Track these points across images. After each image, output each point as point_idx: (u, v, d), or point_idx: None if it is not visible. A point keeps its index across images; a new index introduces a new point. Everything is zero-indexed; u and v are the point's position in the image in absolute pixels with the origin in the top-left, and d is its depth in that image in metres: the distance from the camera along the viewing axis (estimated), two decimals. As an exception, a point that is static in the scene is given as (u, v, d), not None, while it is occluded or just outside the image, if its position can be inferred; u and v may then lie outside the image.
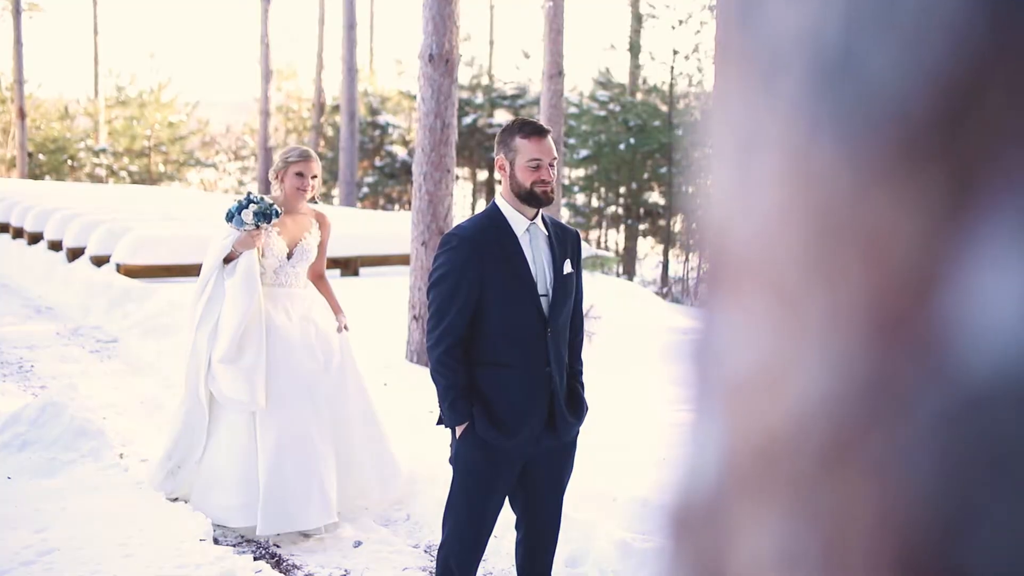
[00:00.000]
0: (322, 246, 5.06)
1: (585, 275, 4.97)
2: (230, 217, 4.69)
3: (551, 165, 3.31)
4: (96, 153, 32.45)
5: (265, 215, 4.69)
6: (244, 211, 4.66)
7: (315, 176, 4.85)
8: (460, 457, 3.36)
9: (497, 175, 3.57)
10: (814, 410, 0.32)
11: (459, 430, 3.32)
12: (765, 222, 0.36)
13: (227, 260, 4.83)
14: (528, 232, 3.35)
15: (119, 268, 11.65)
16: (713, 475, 0.39)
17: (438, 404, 3.37)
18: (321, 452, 4.69)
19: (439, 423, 3.49)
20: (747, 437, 0.36)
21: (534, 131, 3.31)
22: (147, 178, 32.79)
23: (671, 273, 23.50)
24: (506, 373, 3.28)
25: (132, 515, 4.77)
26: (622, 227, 24.95)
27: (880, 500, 0.30)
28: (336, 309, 5.15)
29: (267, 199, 4.74)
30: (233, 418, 4.77)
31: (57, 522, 4.61)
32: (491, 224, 3.31)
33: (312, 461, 4.66)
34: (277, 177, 4.88)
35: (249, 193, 4.73)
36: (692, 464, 0.40)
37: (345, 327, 5.05)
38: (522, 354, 3.28)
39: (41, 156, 31.91)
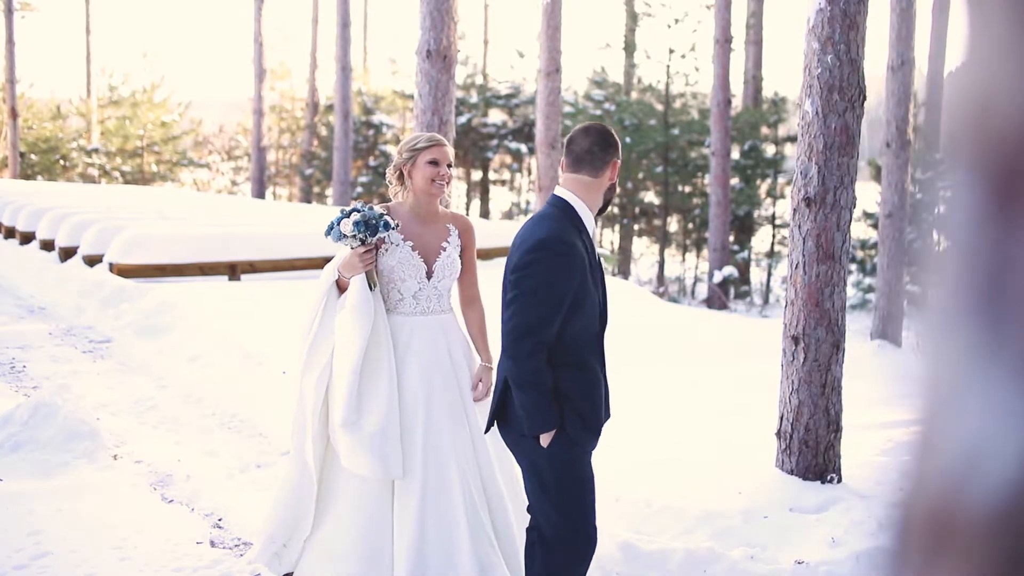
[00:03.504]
0: (469, 258, 4.00)
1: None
2: (329, 230, 3.75)
3: None
4: (88, 153, 32.28)
5: (369, 226, 3.68)
6: (344, 221, 3.70)
7: (450, 165, 3.88)
8: (561, 462, 3.27)
9: (569, 175, 3.42)
10: None
11: (545, 438, 3.22)
12: None
13: (343, 289, 3.89)
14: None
15: (112, 267, 11.54)
16: (1017, 462, 0.28)
17: (524, 414, 3.21)
18: (469, 524, 3.78)
19: (522, 435, 3.29)
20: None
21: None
22: (140, 178, 32.63)
23: (666, 273, 23.43)
24: (588, 374, 3.25)
25: (127, 517, 4.68)
26: (617, 227, 24.87)
27: None
28: (483, 352, 4.03)
29: (378, 209, 3.75)
30: (359, 482, 3.80)
31: (51, 525, 4.52)
32: (574, 225, 3.27)
33: (457, 539, 3.75)
34: (401, 174, 3.89)
35: (357, 203, 3.80)
36: (966, 453, 0.30)
37: (488, 391, 3.92)
38: (595, 353, 3.30)
39: (33, 156, 31.75)
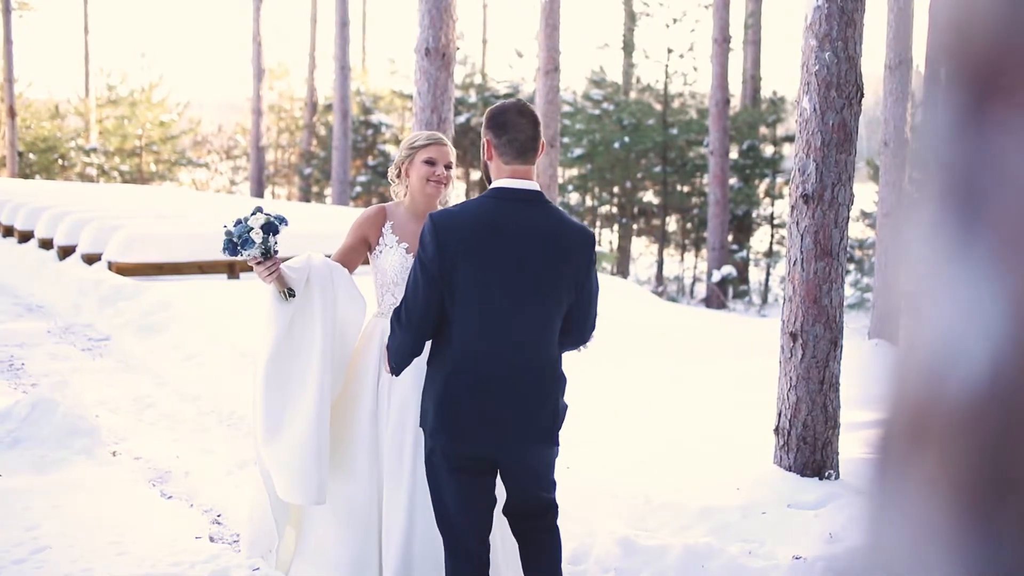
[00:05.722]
0: None
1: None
2: None
3: None
4: (87, 152, 32.27)
5: (231, 245, 3.44)
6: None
7: (449, 165, 3.71)
8: None
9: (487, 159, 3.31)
10: None
11: None
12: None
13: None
14: None
15: (111, 266, 11.54)
16: (989, 358, 0.30)
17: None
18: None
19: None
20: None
21: None
22: (138, 177, 32.63)
23: (665, 272, 23.45)
24: None
25: (126, 513, 4.68)
26: (616, 226, 24.88)
27: None
28: None
29: (253, 222, 3.45)
30: (347, 491, 3.65)
31: (49, 520, 4.52)
32: None
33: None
34: (400, 173, 3.74)
35: (246, 214, 3.51)
36: (942, 350, 0.31)
37: None
38: None
39: (31, 155, 31.74)
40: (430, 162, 3.65)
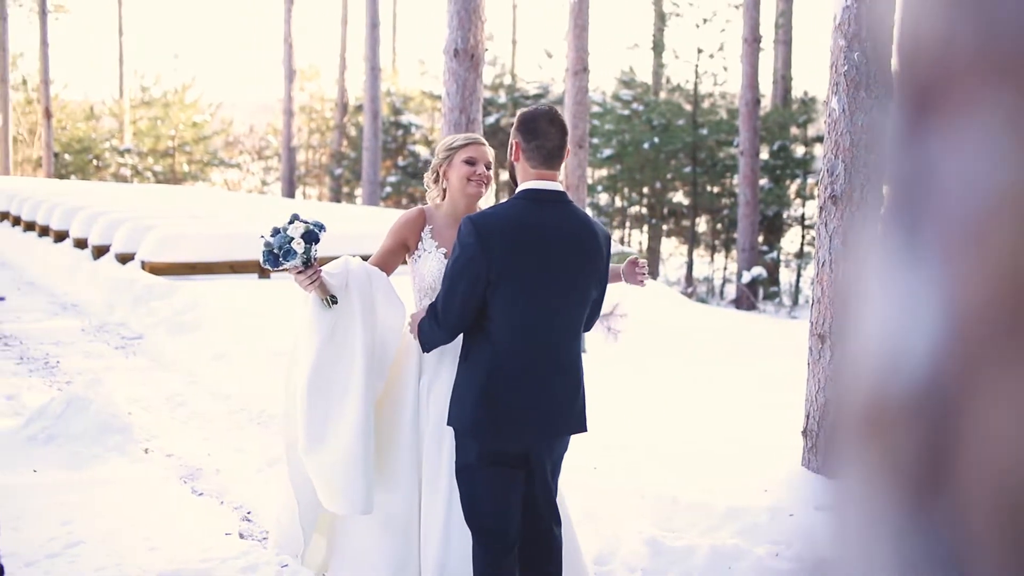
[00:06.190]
0: None
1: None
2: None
3: None
4: (121, 153, 32.67)
5: (271, 256, 3.37)
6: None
7: (489, 165, 3.63)
8: None
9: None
10: None
11: None
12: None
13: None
14: None
15: (144, 265, 11.68)
16: (928, 356, 0.31)
17: None
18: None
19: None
20: (1006, 286, 0.29)
21: None
22: (171, 178, 32.98)
23: (695, 273, 23.36)
24: None
25: (158, 509, 4.75)
26: (645, 227, 24.83)
27: None
28: None
29: (294, 231, 3.37)
30: (384, 495, 3.56)
31: (82, 515, 4.60)
32: None
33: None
34: (438, 176, 3.65)
35: (293, 218, 3.45)
36: (888, 348, 0.33)
37: None
38: None
39: (67, 156, 32.18)
40: (470, 162, 3.58)
